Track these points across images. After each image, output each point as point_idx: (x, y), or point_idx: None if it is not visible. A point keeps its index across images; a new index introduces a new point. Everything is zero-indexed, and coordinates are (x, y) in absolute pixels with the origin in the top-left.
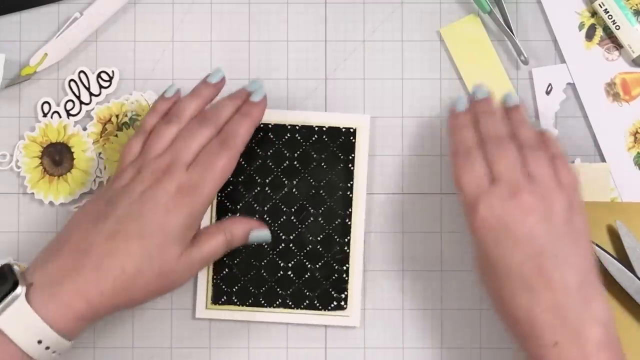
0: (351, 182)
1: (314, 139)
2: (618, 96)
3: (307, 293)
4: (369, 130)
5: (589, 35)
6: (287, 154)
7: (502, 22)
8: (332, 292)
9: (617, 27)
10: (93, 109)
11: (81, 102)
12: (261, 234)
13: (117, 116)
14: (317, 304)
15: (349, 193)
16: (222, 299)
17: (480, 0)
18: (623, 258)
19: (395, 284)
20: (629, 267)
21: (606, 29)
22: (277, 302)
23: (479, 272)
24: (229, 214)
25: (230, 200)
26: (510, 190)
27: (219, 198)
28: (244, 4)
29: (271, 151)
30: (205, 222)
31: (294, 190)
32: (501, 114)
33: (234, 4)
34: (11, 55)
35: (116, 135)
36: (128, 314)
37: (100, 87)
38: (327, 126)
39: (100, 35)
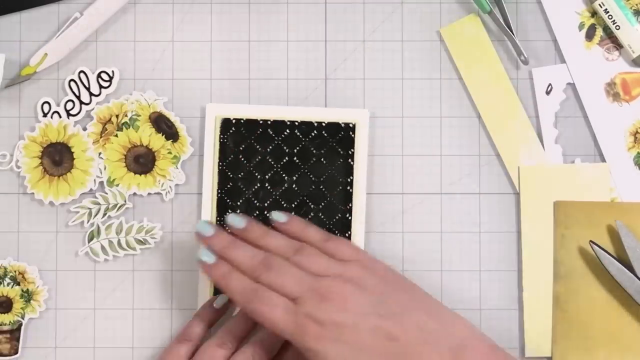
0: (351, 177)
1: (313, 134)
2: (618, 96)
3: None
4: (368, 125)
5: (589, 35)
6: (287, 150)
7: (502, 22)
8: None
9: (617, 27)
10: (93, 109)
11: (81, 102)
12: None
13: (117, 116)
14: None
15: (349, 188)
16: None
17: (480, 0)
18: (623, 258)
19: None
20: (629, 267)
21: (606, 29)
22: None
23: None
24: (229, 211)
25: (230, 197)
26: (315, 299)
27: (219, 195)
28: (244, 4)
29: (270, 147)
30: (206, 218)
31: (294, 186)
32: (238, 240)
33: (234, 4)
34: (11, 55)
35: (116, 135)
36: (128, 314)
37: (100, 87)
38: (326, 122)
39: (100, 35)
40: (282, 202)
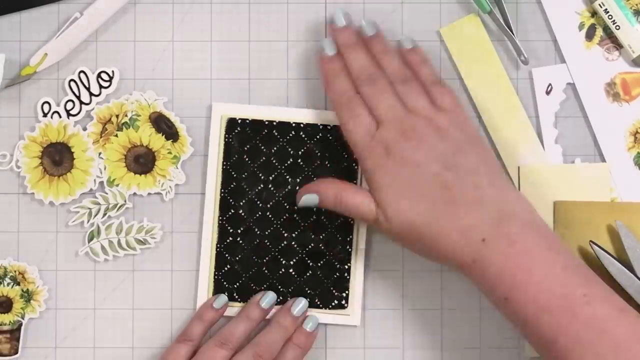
0: (355, 182)
1: (318, 137)
2: (618, 96)
3: (308, 291)
4: None
5: (589, 35)
6: (291, 152)
7: (502, 22)
8: (334, 291)
9: (617, 27)
10: (93, 109)
11: (81, 102)
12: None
13: (117, 116)
14: (318, 302)
15: None
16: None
17: (480, 0)
18: (623, 258)
19: (396, 284)
20: (629, 267)
21: (606, 29)
22: (278, 300)
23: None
24: (232, 210)
25: (233, 197)
26: (398, 129)
27: (222, 194)
28: (244, 4)
29: (275, 148)
30: (209, 218)
31: (297, 187)
32: (362, 44)
33: (234, 4)
34: (11, 55)
35: (116, 135)
36: (128, 314)
37: (100, 87)
38: (332, 124)
39: (100, 35)
40: (285, 204)
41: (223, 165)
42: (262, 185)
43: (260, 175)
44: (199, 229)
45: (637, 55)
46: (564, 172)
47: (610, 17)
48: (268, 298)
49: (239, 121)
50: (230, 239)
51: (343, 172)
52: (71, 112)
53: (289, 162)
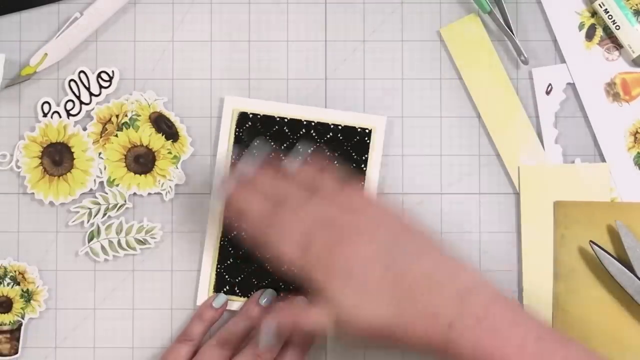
0: (362, 183)
1: (329, 136)
2: (618, 96)
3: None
4: (384, 132)
5: (589, 35)
6: (301, 150)
7: (502, 22)
8: None
9: (617, 27)
10: (93, 109)
11: (81, 102)
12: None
13: (117, 116)
14: None
15: None
16: (225, 289)
17: (480, 0)
18: (623, 258)
19: None
20: (629, 267)
21: (606, 29)
22: (279, 297)
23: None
24: None
25: None
26: (326, 242)
27: None
28: (244, 4)
29: (285, 145)
30: (215, 211)
31: None
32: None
33: (234, 4)
34: (11, 55)
35: (116, 135)
36: (128, 314)
37: (100, 87)
38: (343, 125)
39: (100, 35)
40: None
41: (232, 159)
42: None
43: None
44: (200, 229)
45: (637, 55)
46: (564, 172)
47: (610, 17)
48: (267, 296)
49: (250, 116)
50: (235, 232)
51: (351, 172)
52: (71, 112)
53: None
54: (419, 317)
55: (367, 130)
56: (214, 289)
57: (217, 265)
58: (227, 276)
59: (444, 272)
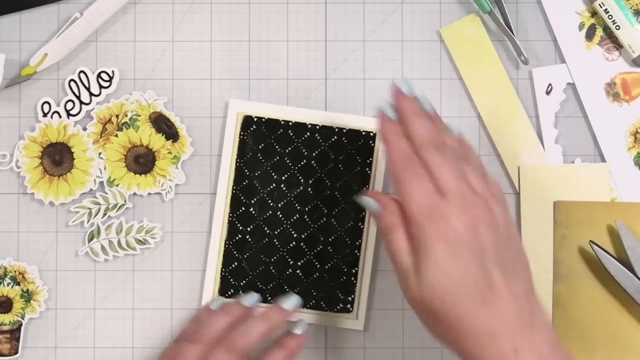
0: (367, 186)
1: (333, 139)
2: (618, 96)
3: (314, 293)
4: None
5: (589, 35)
6: (305, 153)
7: (502, 22)
8: (339, 294)
9: (617, 27)
10: (93, 109)
11: (81, 102)
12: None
13: (117, 116)
14: (323, 305)
15: None
16: (229, 292)
17: (480, 0)
18: (623, 258)
19: (395, 284)
20: (629, 267)
21: (606, 29)
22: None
23: (424, 289)
24: (242, 208)
25: (245, 194)
26: (462, 204)
27: (233, 191)
28: (244, 4)
29: (289, 149)
30: (219, 214)
31: (309, 189)
32: (428, 116)
33: (234, 4)
34: (11, 55)
35: (116, 136)
36: (128, 314)
37: (100, 87)
38: (347, 128)
39: (100, 35)
40: (296, 205)
41: (236, 162)
42: (274, 185)
43: (273, 174)
44: (200, 229)
45: (637, 55)
46: (564, 172)
47: (610, 17)
48: (251, 298)
49: (255, 119)
50: (240, 236)
51: (356, 176)
52: (71, 112)
53: (302, 163)
54: (484, 321)
55: (371, 134)
56: (219, 292)
57: (222, 268)
58: (231, 279)
59: (526, 301)
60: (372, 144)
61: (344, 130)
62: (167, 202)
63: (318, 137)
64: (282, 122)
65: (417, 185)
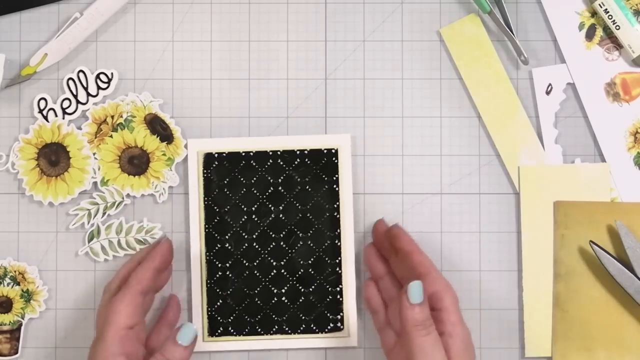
0: (337, 203)
1: (296, 162)
2: (618, 96)
3: (303, 317)
4: (350, 150)
5: (589, 35)
6: (271, 180)
7: (502, 22)
8: (328, 314)
9: (617, 27)
10: (89, 109)
11: (78, 102)
12: (184, 329)
13: (112, 117)
14: (314, 327)
15: (336, 214)
16: (219, 331)
17: (480, 0)
18: (623, 258)
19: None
20: (629, 267)
21: (606, 29)
22: (274, 329)
23: None
24: (218, 245)
25: (218, 232)
26: None
27: (206, 230)
28: (244, 4)
29: (255, 179)
30: (196, 254)
31: (280, 215)
32: None
33: (234, 4)
34: (11, 55)
35: (111, 136)
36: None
37: (99, 87)
38: (308, 149)
39: (100, 35)
40: (271, 233)
41: (205, 201)
42: (245, 217)
43: (243, 207)
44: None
45: (637, 55)
46: (564, 172)
47: (610, 17)
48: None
49: (216, 155)
50: (220, 273)
51: (324, 195)
52: (67, 110)
53: (269, 190)
54: None
55: (333, 151)
56: (207, 332)
57: (208, 308)
58: (219, 318)
59: None
60: (336, 161)
61: (306, 152)
62: (167, 202)
63: (281, 163)
64: (243, 154)
65: None
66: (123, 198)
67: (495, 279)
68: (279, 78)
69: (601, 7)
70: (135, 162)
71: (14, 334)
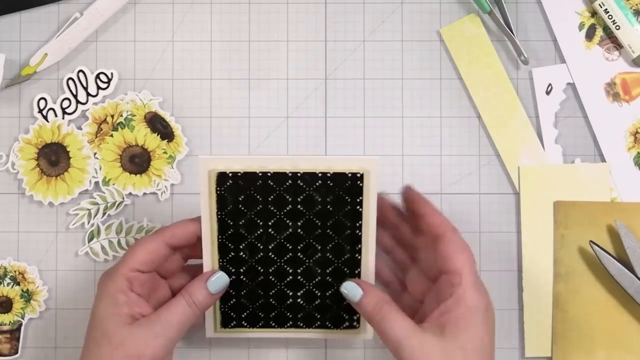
0: (360, 222)
1: (317, 184)
2: (618, 96)
3: (318, 316)
4: (377, 174)
5: (589, 35)
6: (290, 199)
7: (502, 22)
8: (344, 315)
9: (617, 27)
10: (89, 109)
11: (77, 101)
12: (217, 278)
13: (112, 116)
14: (329, 325)
15: (357, 232)
16: (232, 324)
17: (480, 0)
18: (623, 258)
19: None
20: (629, 267)
21: (606, 29)
22: (289, 324)
23: None
24: (232, 253)
25: (232, 242)
26: None
27: (220, 240)
28: (244, 4)
29: (272, 197)
30: (208, 261)
31: (299, 230)
32: None
33: (234, 4)
34: (11, 55)
35: (111, 135)
36: None
37: (98, 87)
38: (331, 172)
39: (100, 35)
40: (288, 245)
41: (218, 214)
42: (261, 230)
43: (259, 221)
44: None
45: (637, 55)
46: (564, 172)
47: (610, 17)
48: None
49: (230, 174)
50: (234, 277)
51: (347, 215)
52: (67, 110)
53: (287, 208)
54: None
55: (358, 175)
56: (220, 324)
57: (221, 305)
58: (232, 314)
59: None
60: (360, 184)
61: (328, 175)
62: (167, 201)
63: (301, 184)
64: (260, 174)
65: None
66: (123, 198)
67: (495, 279)
68: (279, 78)
69: (601, 7)
70: (137, 161)
71: (14, 334)
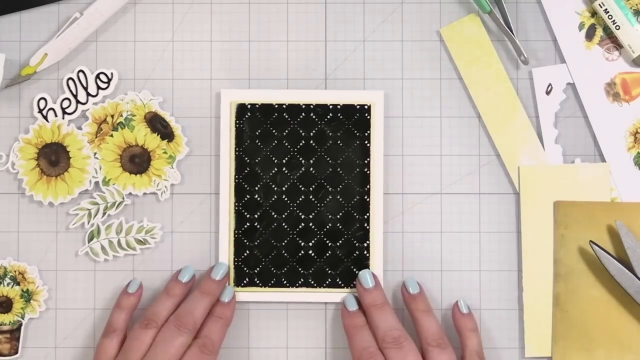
0: (368, 159)
1: (329, 117)
2: (618, 96)
3: (329, 271)
4: (383, 106)
5: (589, 35)
6: (303, 134)
7: (502, 22)
8: (354, 269)
9: (617, 27)
10: (89, 109)
11: (77, 101)
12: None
13: (112, 116)
14: (340, 282)
15: (366, 170)
16: (245, 281)
17: (480, 0)
18: (623, 258)
19: (396, 284)
20: (629, 267)
21: (606, 29)
22: (300, 282)
23: None
24: (247, 196)
25: (248, 182)
26: None
27: (236, 180)
28: (244, 4)
29: (287, 131)
30: (225, 204)
31: (311, 169)
32: (390, 306)
33: (234, 4)
34: (11, 55)
35: (111, 135)
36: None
37: (98, 87)
38: (341, 104)
39: (100, 35)
40: (300, 186)
41: (236, 151)
42: (276, 169)
43: (274, 159)
44: (200, 229)
45: (637, 55)
46: (564, 172)
47: (610, 17)
48: (187, 273)
49: (249, 106)
50: (248, 224)
51: (356, 150)
52: (67, 110)
53: (301, 144)
54: None
55: (366, 107)
56: (233, 281)
57: (235, 258)
58: (245, 268)
59: None
60: (368, 117)
61: (339, 107)
62: (167, 201)
63: (313, 116)
64: (276, 106)
65: None
66: (123, 198)
67: (495, 279)
68: (279, 78)
69: (601, 7)
70: (137, 161)
71: (14, 334)
